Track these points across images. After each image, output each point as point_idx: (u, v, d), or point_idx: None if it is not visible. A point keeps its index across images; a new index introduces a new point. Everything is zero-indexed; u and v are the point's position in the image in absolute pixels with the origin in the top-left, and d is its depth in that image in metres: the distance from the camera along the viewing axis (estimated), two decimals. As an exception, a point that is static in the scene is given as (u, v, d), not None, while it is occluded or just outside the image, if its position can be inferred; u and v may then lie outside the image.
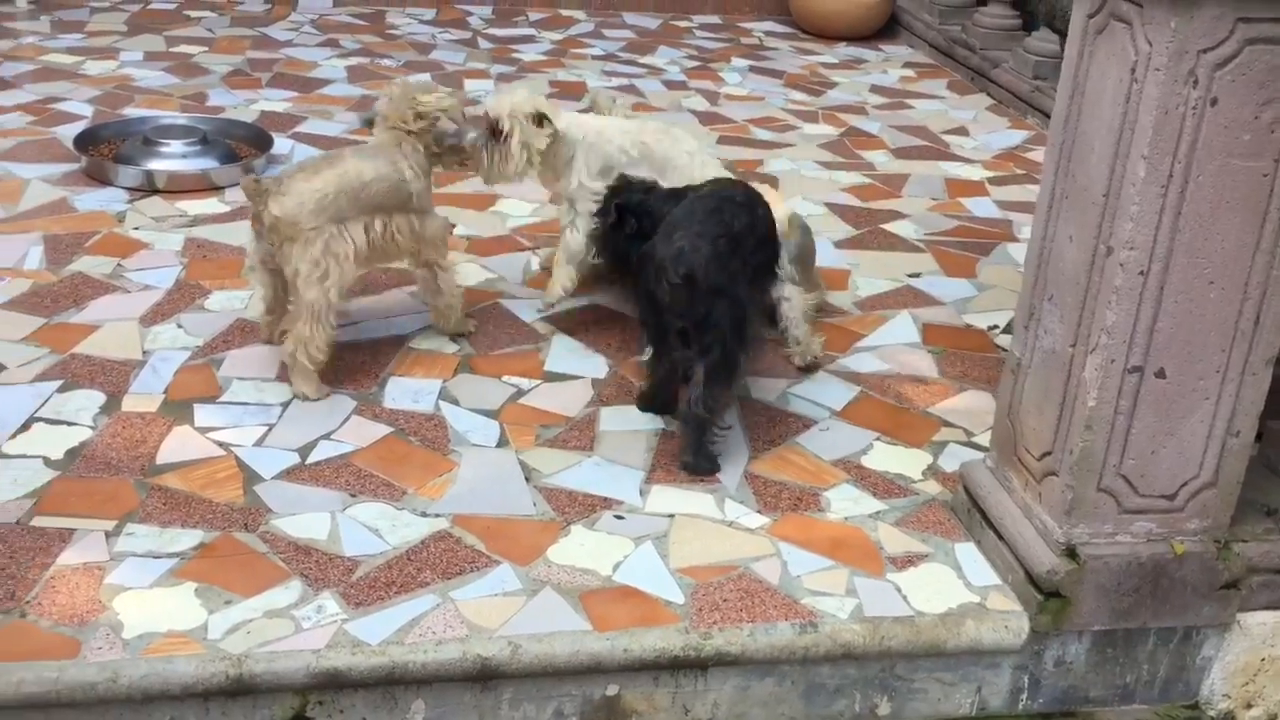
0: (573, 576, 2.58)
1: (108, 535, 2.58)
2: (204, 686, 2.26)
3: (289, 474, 2.84)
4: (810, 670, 2.49)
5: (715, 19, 7.35)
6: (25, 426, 2.90)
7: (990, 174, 5.08)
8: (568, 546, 2.67)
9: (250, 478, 2.80)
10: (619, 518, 2.77)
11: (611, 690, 2.43)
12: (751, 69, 6.38)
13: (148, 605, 2.40)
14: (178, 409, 3.02)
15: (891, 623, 2.51)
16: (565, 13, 7.16)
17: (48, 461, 2.79)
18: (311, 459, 2.90)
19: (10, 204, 4.05)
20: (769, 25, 7.31)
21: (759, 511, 2.83)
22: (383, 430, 3.03)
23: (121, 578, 2.46)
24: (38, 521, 2.60)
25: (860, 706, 2.55)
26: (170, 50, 5.84)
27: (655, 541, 2.70)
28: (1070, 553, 2.48)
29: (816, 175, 4.92)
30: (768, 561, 2.67)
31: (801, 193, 4.66)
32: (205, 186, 4.31)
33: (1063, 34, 4.06)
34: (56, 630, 2.31)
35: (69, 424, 2.93)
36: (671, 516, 2.79)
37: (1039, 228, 2.55)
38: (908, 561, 2.70)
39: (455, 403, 3.17)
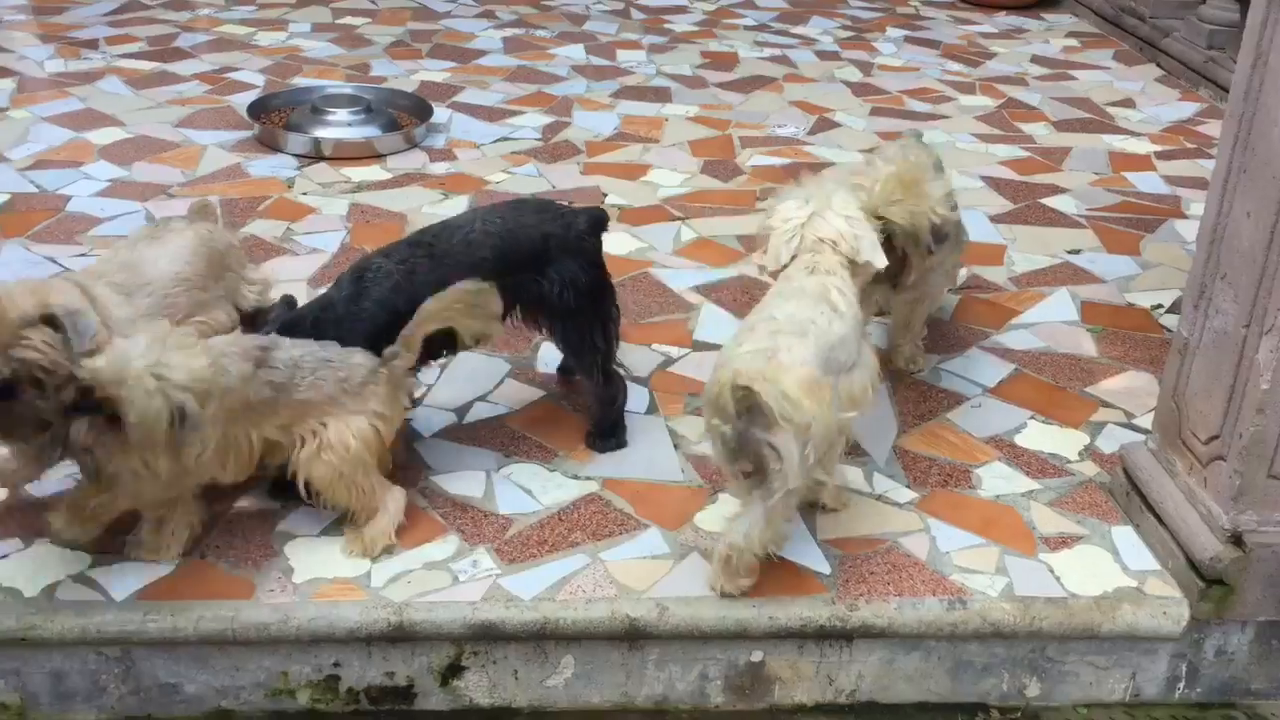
0: (720, 543, 2.61)
1: (279, 485, 2.71)
2: (367, 631, 2.37)
3: (446, 433, 2.94)
4: (958, 647, 2.47)
5: (870, -13, 7.22)
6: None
7: (1158, 148, 4.88)
8: (715, 513, 2.70)
9: (410, 435, 2.91)
10: (766, 487, 2.79)
11: (756, 656, 2.46)
12: (907, 39, 6.25)
13: (315, 552, 2.52)
14: (343, 367, 3.14)
15: (1044, 603, 2.46)
16: (717, -18, 7.13)
17: (224, 413, 2.94)
18: (468, 419, 3.00)
19: (190, 169, 4.26)
20: (926, -6, 7.14)
21: (908, 486, 2.81)
22: (536, 394, 3.10)
23: (291, 525, 2.60)
24: (216, 469, 2.76)
25: (1008, 686, 2.52)
26: (336, 22, 6.03)
27: (803, 511, 2.71)
28: (1236, 540, 2.40)
29: (973, 148, 4.81)
30: (916, 537, 2.65)
31: (957, 166, 4.56)
32: (369, 154, 4.46)
33: (1244, 1, 3.85)
34: (232, 572, 2.45)
35: (244, 379, 3.08)
36: (821, 486, 2.79)
37: (1213, 203, 2.45)
38: (1062, 542, 2.65)
39: (606, 369, 3.22)
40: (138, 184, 4.11)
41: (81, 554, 2.45)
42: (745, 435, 2.26)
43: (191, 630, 2.32)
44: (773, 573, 2.53)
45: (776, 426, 2.20)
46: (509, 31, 6.03)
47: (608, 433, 2.90)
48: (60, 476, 2.62)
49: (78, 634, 2.30)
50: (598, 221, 2.81)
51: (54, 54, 5.25)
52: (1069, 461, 2.93)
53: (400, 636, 2.38)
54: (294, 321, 2.60)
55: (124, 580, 2.39)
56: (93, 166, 4.21)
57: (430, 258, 2.64)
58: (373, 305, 2.57)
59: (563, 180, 4.35)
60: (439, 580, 2.47)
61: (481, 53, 5.69)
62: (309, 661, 2.39)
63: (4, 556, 2.43)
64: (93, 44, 5.42)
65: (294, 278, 3.56)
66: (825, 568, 2.55)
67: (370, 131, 4.58)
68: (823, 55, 5.91)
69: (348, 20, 6.07)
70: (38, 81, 4.93)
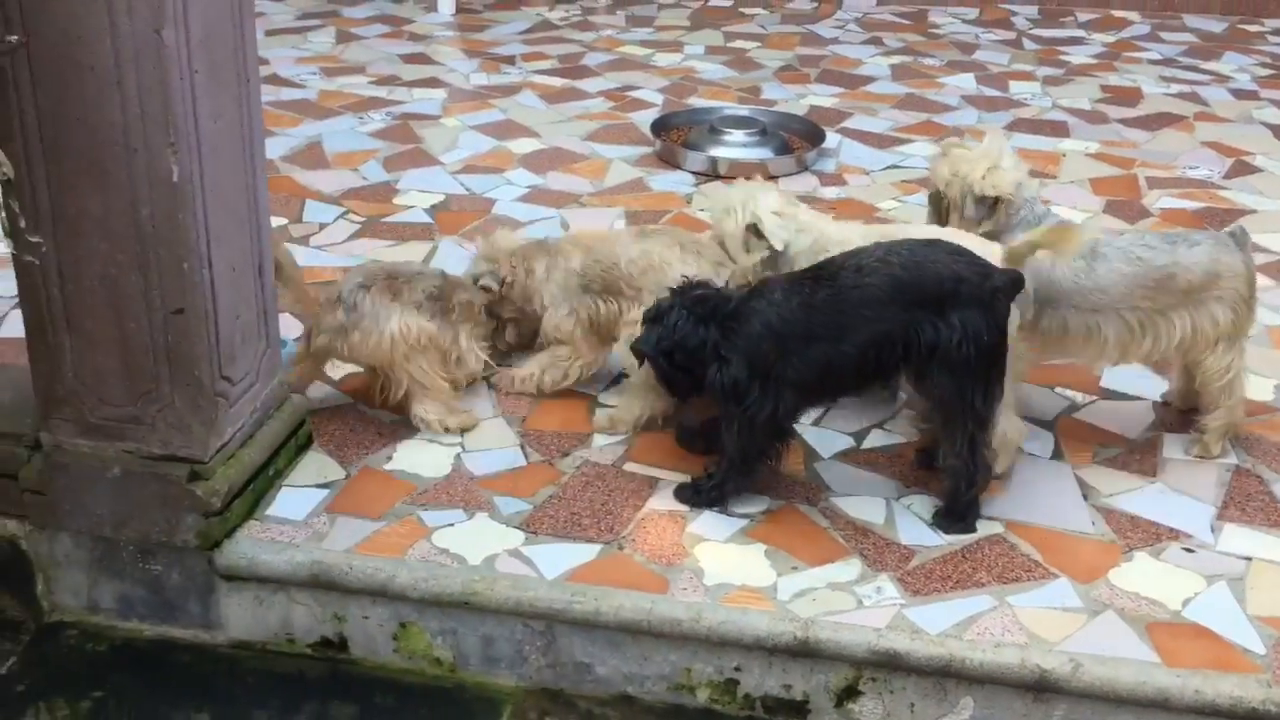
0: (1137, 604, 2.49)
1: (686, 488, 2.82)
2: (773, 642, 2.42)
3: (844, 456, 2.97)
4: None
5: (1292, 22, 6.67)
6: (614, 380, 3.24)
7: None
8: (1131, 572, 2.58)
9: (810, 455, 2.96)
10: (1188, 551, 2.63)
11: (1175, 730, 2.32)
12: (1337, 79, 5.73)
13: (724, 558, 2.61)
14: (744, 381, 3.22)
15: None
16: (1118, 13, 6.81)
17: (633, 414, 3.10)
18: (865, 445, 3.01)
19: (597, 180, 4.52)
20: (1359, 30, 6.51)
21: (1355, 570, 2.57)
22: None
23: (700, 529, 2.69)
24: (629, 467, 2.90)
25: None
26: (728, 45, 6.23)
27: (1230, 583, 2.54)
28: None
29: None
30: (1367, 627, 2.42)
31: (1404, 222, 4.13)
32: (762, 175, 4.56)
33: None
34: (648, 567, 2.58)
35: (652, 383, 3.23)
36: (1248, 560, 2.60)
37: None
38: None
39: (1007, 409, 3.14)
40: (553, 192, 4.40)
41: (518, 531, 2.65)
42: None
43: (611, 616, 2.45)
44: (1196, 642, 2.38)
45: None
46: (896, 59, 6.01)
47: (960, 514, 2.70)
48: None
49: (512, 605, 2.48)
50: (1016, 282, 2.60)
51: (478, 68, 5.72)
52: None
53: (803, 652, 2.42)
54: (700, 298, 2.70)
55: (554, 561, 2.56)
56: (513, 173, 4.55)
57: (815, 280, 2.64)
58: (748, 312, 2.62)
59: (955, 212, 4.28)
60: (843, 601, 2.49)
61: (869, 79, 5.70)
62: (712, 662, 2.47)
63: (450, 525, 2.67)
64: (510, 60, 5.86)
65: (697, 290, 3.70)
66: (1259, 647, 2.37)
67: (764, 153, 4.70)
68: (1239, 94, 5.51)
69: (738, 44, 6.25)
70: (464, 93, 5.39)
